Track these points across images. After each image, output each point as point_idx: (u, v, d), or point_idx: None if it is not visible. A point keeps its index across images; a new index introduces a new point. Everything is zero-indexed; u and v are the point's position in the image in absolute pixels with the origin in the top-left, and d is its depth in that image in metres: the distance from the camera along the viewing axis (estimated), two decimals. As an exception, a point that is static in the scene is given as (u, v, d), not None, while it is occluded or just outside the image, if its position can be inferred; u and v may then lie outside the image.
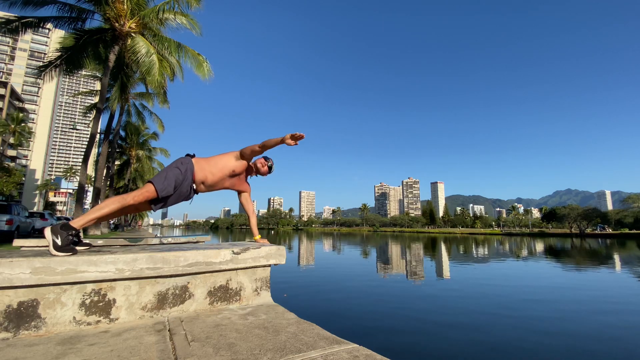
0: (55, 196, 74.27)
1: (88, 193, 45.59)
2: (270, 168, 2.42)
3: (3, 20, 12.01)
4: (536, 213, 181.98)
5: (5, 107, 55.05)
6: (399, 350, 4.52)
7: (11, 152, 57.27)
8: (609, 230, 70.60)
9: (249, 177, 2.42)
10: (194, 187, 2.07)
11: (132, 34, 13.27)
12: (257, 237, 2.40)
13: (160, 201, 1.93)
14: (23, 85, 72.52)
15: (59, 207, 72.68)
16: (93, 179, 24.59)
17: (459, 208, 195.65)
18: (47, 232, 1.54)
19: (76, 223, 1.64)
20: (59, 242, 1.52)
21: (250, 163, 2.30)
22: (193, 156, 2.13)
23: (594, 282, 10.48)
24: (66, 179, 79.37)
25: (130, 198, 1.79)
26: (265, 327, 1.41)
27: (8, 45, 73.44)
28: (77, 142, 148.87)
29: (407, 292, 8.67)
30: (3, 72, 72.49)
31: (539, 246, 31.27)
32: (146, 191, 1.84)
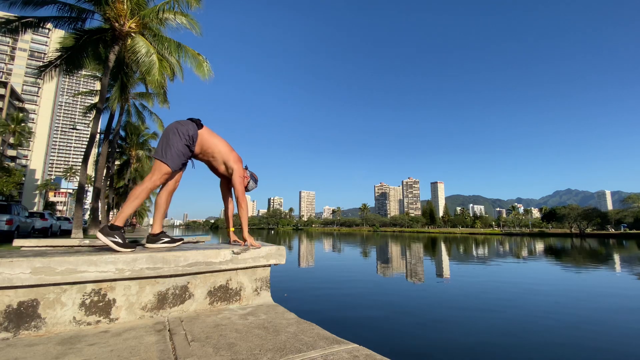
0: (55, 196, 74.21)
1: (88, 193, 45.59)
2: (247, 185, 2.19)
3: (3, 20, 11.99)
4: (536, 213, 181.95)
5: (5, 107, 55.03)
6: (399, 350, 4.52)
7: (11, 152, 57.24)
8: (611, 230, 70.54)
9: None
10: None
11: (132, 34, 13.26)
12: (231, 229, 2.29)
13: None
14: (23, 85, 72.48)
15: (59, 207, 72.61)
16: (93, 179, 24.57)
17: (459, 208, 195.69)
18: (101, 236, 1.66)
19: (119, 222, 1.74)
20: (120, 240, 1.66)
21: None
22: (200, 124, 1.99)
23: (595, 282, 10.48)
24: (66, 179, 79.32)
25: (151, 185, 1.83)
26: (265, 327, 1.41)
27: (8, 45, 73.40)
28: (77, 142, 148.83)
29: (407, 292, 8.67)
30: (3, 72, 72.45)
31: (539, 246, 31.26)
32: (164, 173, 1.85)
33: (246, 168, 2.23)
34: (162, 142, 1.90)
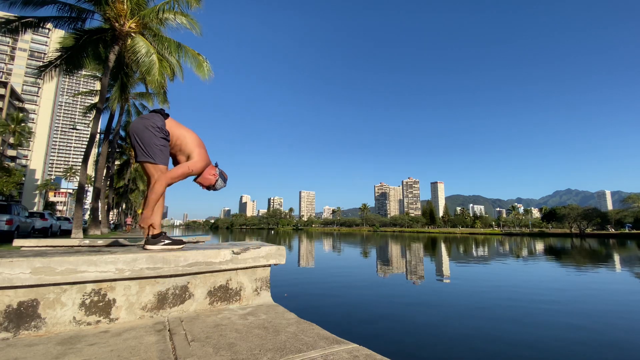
0: (55, 196, 74.27)
1: (88, 193, 45.59)
2: (215, 184, 2.03)
3: (3, 20, 12.01)
4: (536, 213, 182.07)
5: (5, 107, 55.07)
6: (399, 350, 4.52)
7: (11, 152, 57.32)
8: (611, 230, 70.46)
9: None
10: None
11: (132, 34, 13.27)
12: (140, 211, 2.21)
13: None
14: (23, 85, 72.54)
15: (59, 207, 72.65)
16: (93, 179, 24.60)
17: (459, 208, 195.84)
18: (153, 247, 1.77)
19: (157, 230, 1.83)
20: (169, 241, 1.81)
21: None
22: (166, 114, 1.91)
23: (593, 282, 10.48)
24: (66, 179, 79.40)
25: (163, 187, 1.81)
26: (265, 327, 1.41)
27: (8, 45, 73.47)
28: (77, 142, 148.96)
29: (407, 292, 8.67)
30: (3, 72, 72.51)
31: (539, 246, 31.26)
32: (162, 172, 1.82)
33: (216, 165, 2.11)
34: (137, 143, 1.78)
